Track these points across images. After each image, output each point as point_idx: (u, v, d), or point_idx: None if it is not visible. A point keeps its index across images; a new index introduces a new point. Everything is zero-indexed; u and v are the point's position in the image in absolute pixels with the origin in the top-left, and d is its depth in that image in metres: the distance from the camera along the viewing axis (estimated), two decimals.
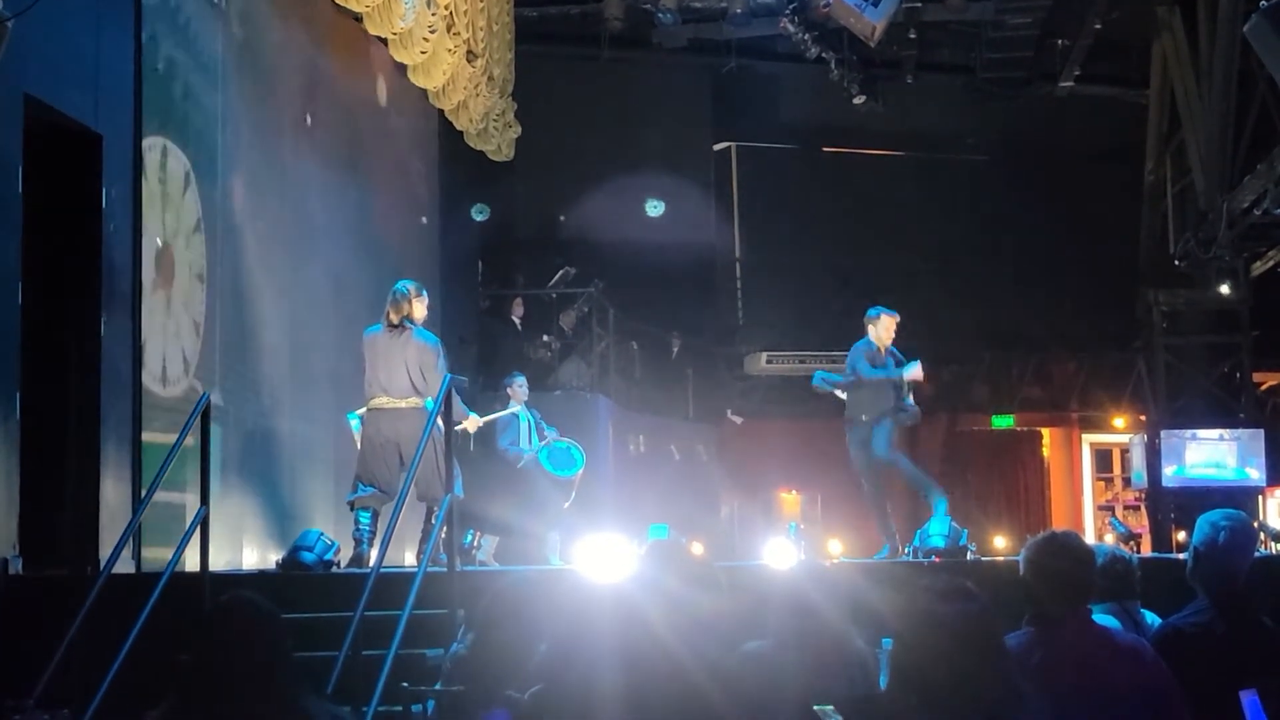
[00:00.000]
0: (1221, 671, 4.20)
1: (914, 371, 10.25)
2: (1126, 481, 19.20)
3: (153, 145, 9.34)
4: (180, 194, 9.74)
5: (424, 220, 14.97)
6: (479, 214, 16.94)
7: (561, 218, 18.83)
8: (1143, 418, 17.69)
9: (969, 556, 9.39)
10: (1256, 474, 14.81)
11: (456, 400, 8.90)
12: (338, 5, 11.19)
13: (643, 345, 17.88)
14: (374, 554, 8.34)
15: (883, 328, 10.31)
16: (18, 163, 7.89)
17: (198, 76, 10.08)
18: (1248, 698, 4.07)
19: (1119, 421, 19.82)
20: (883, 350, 10.29)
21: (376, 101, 13.53)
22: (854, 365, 10.26)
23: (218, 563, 8.60)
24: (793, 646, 4.46)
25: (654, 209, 19.34)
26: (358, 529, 9.02)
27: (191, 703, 3.46)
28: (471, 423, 10.02)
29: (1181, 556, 4.92)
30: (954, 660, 3.24)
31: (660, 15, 16.90)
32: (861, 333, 10.38)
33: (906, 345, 10.66)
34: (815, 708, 3.67)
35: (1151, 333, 16.36)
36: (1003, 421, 20.43)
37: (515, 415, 11.99)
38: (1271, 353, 16.71)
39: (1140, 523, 17.71)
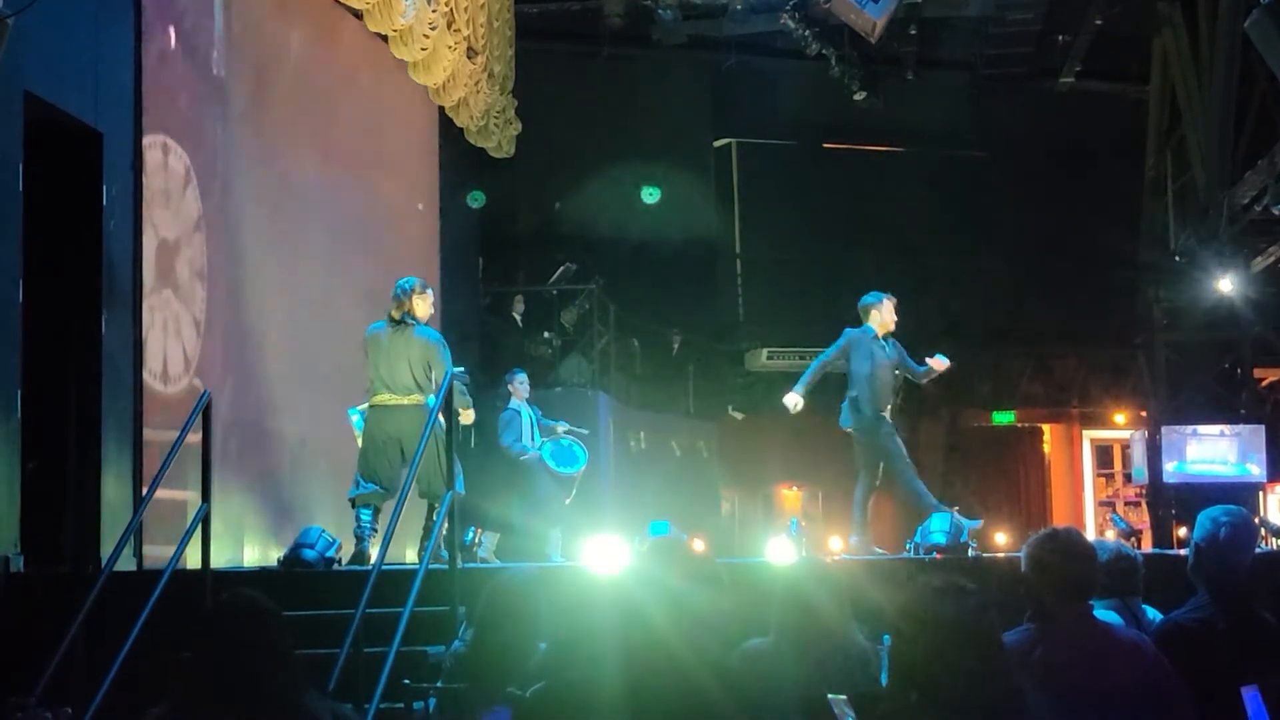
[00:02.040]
0: (1223, 667, 4.20)
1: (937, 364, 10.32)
2: (1127, 477, 19.20)
3: (153, 143, 9.34)
4: (181, 191, 9.74)
5: (420, 206, 14.90)
6: (474, 201, 16.90)
7: (557, 205, 18.77)
8: (1143, 414, 17.68)
9: (970, 553, 9.38)
10: (1257, 470, 14.79)
11: (459, 392, 8.91)
12: (338, 2, 11.19)
13: (643, 342, 17.89)
14: (375, 551, 8.35)
15: (886, 312, 10.20)
16: (18, 161, 7.89)
17: (197, 73, 10.07)
18: (1249, 693, 4.07)
19: (1120, 417, 19.82)
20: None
21: (377, 99, 13.52)
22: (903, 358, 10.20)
23: (219, 560, 8.60)
24: (792, 643, 4.47)
25: (650, 196, 19.26)
26: (359, 526, 9.03)
27: (193, 700, 3.46)
28: (468, 415, 9.97)
29: (1182, 552, 4.92)
30: (953, 657, 3.25)
31: (660, 12, 16.89)
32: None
33: (908, 346, 10.67)
34: (830, 696, 3.68)
35: (1152, 328, 16.35)
36: (1004, 418, 20.45)
37: (517, 412, 12.00)
38: (1272, 349, 16.69)
39: (1141, 519, 17.70)
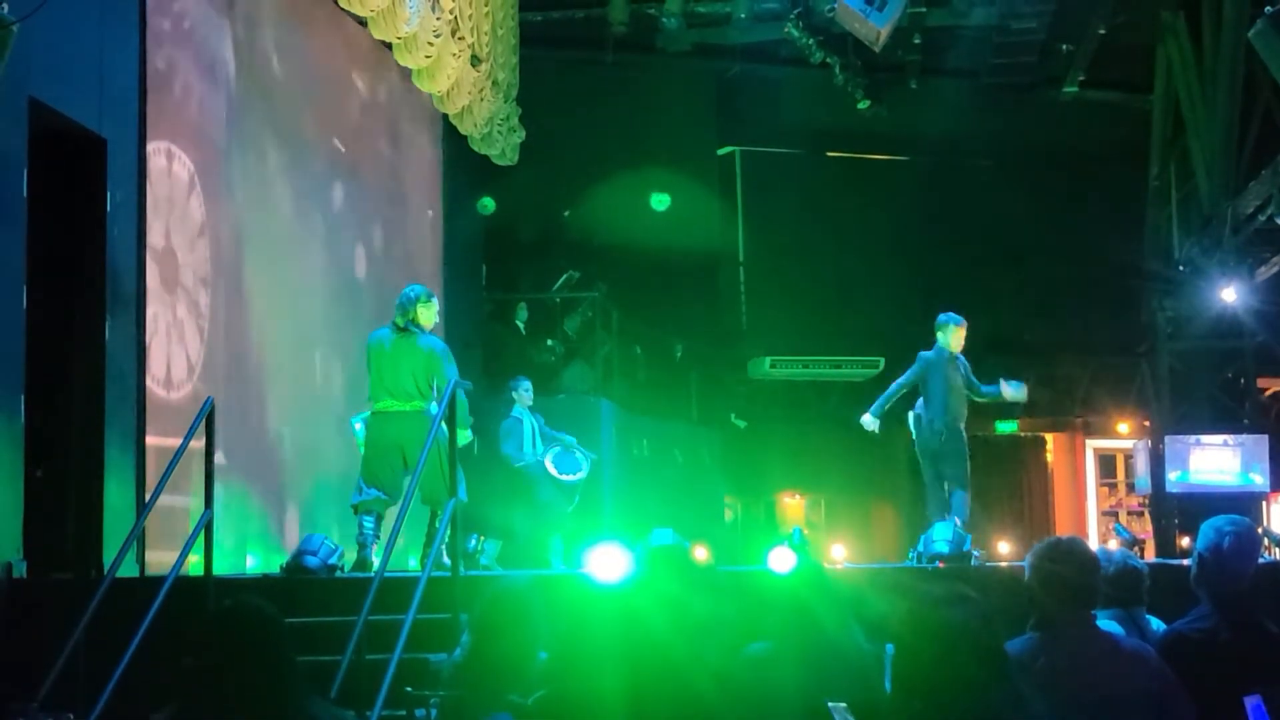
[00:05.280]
0: (1225, 677, 4.20)
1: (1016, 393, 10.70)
2: (1130, 487, 19.18)
3: (157, 149, 9.36)
4: (184, 198, 9.75)
5: (430, 213, 14.95)
6: (484, 209, 16.97)
7: (566, 213, 18.78)
8: (1147, 423, 17.67)
9: (973, 561, 9.38)
10: (1260, 480, 14.78)
11: (461, 407, 8.91)
12: (342, 9, 11.20)
13: (646, 349, 17.88)
14: (378, 558, 8.35)
15: (953, 335, 10.55)
16: (22, 167, 7.90)
17: (202, 80, 10.09)
18: (1252, 703, 4.07)
19: (1123, 427, 19.81)
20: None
21: (381, 106, 13.54)
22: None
23: (221, 567, 8.60)
24: (794, 649, 4.46)
25: (660, 203, 19.30)
26: (362, 533, 9.03)
27: (195, 707, 3.47)
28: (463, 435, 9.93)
29: (1185, 562, 4.92)
30: (956, 665, 3.25)
31: (664, 20, 16.90)
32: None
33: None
34: (830, 704, 3.68)
35: (1156, 338, 16.34)
36: (1007, 427, 20.42)
37: (519, 420, 11.99)
38: (1276, 358, 16.68)
39: (1144, 528, 17.69)
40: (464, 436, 8.98)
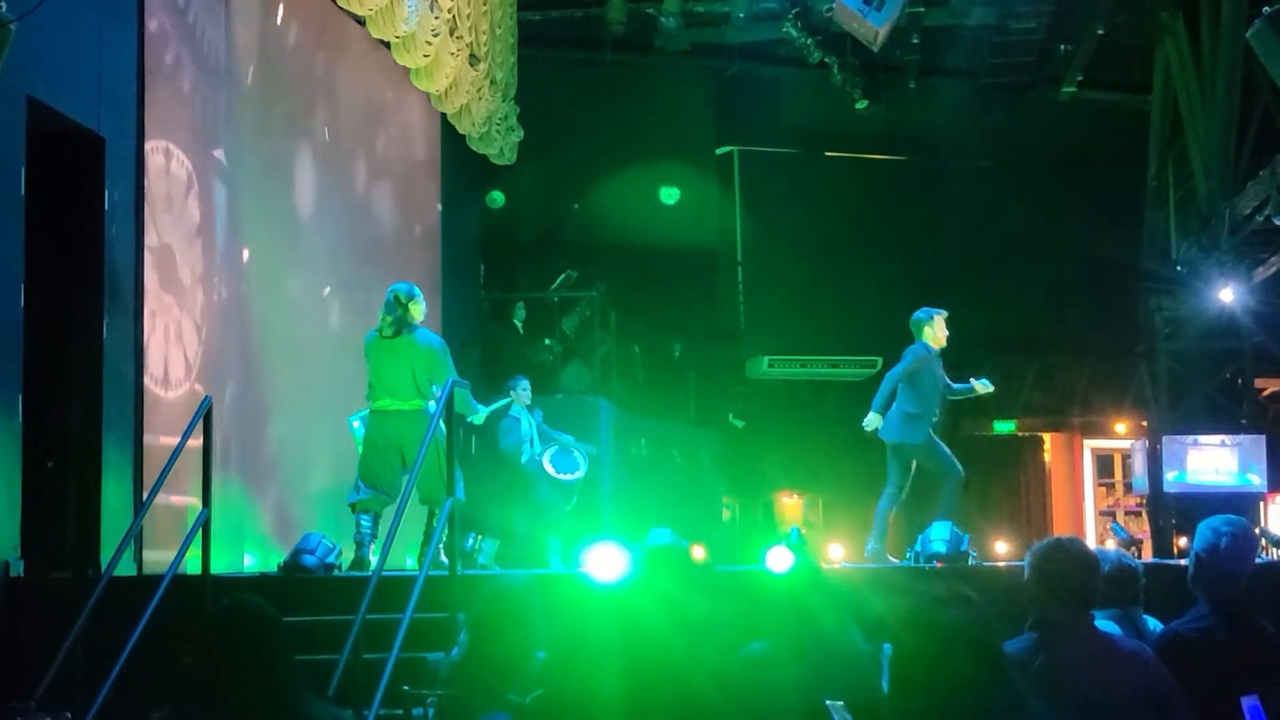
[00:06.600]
0: (1223, 677, 4.21)
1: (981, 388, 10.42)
2: (1128, 487, 19.20)
3: (155, 148, 9.35)
4: (183, 197, 9.75)
5: (439, 208, 14.96)
6: (493, 203, 17.00)
7: (576, 206, 18.77)
8: (1144, 423, 17.68)
9: (970, 562, 9.39)
10: (1258, 480, 14.80)
11: (466, 396, 8.92)
12: (340, 8, 11.20)
13: (644, 348, 17.89)
14: (375, 557, 8.35)
15: (938, 329, 10.28)
16: (20, 165, 7.89)
17: (200, 78, 10.08)
18: (1249, 703, 4.07)
19: (1120, 427, 19.82)
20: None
21: (379, 105, 13.53)
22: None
23: (219, 566, 8.60)
24: (791, 648, 4.47)
25: (669, 197, 19.34)
26: (359, 532, 9.03)
27: (193, 705, 3.47)
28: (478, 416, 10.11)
29: (1183, 562, 4.92)
30: (955, 665, 3.26)
31: (663, 19, 16.90)
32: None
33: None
34: (827, 702, 3.69)
35: (1153, 338, 16.34)
36: (1005, 427, 20.44)
37: (517, 420, 11.99)
38: (1273, 359, 16.69)
39: (1141, 528, 17.71)
40: (479, 418, 10.04)
